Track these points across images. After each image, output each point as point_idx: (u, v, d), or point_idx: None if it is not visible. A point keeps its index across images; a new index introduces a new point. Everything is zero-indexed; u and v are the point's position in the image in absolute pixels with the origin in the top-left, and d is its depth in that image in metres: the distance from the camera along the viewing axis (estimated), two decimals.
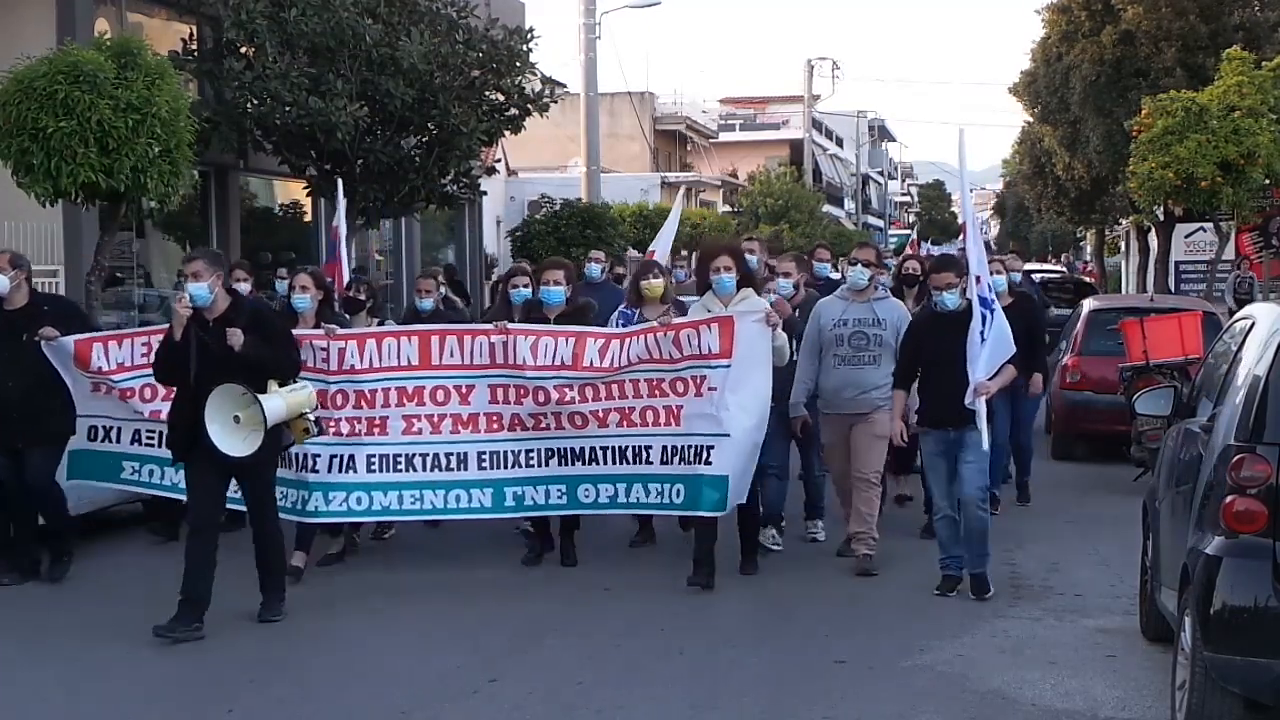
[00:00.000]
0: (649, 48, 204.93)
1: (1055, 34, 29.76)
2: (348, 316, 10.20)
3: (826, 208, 57.06)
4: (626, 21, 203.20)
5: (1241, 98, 21.08)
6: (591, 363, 9.24)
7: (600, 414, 9.28)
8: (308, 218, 21.56)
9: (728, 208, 49.84)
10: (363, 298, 10.28)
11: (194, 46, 17.01)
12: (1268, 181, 21.48)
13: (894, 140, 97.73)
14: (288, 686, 7.20)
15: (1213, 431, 6.33)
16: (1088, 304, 16.42)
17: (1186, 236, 26.66)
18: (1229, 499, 5.73)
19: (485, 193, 20.76)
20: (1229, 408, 6.20)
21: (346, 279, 11.70)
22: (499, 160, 27.87)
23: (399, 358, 9.46)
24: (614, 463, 9.31)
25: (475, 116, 17.25)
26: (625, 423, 9.25)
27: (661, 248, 13.96)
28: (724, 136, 62.03)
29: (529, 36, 18.15)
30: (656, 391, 9.19)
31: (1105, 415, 13.64)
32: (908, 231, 62.12)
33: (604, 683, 7.18)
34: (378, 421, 9.44)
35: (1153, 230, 28.47)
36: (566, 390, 9.26)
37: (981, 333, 8.49)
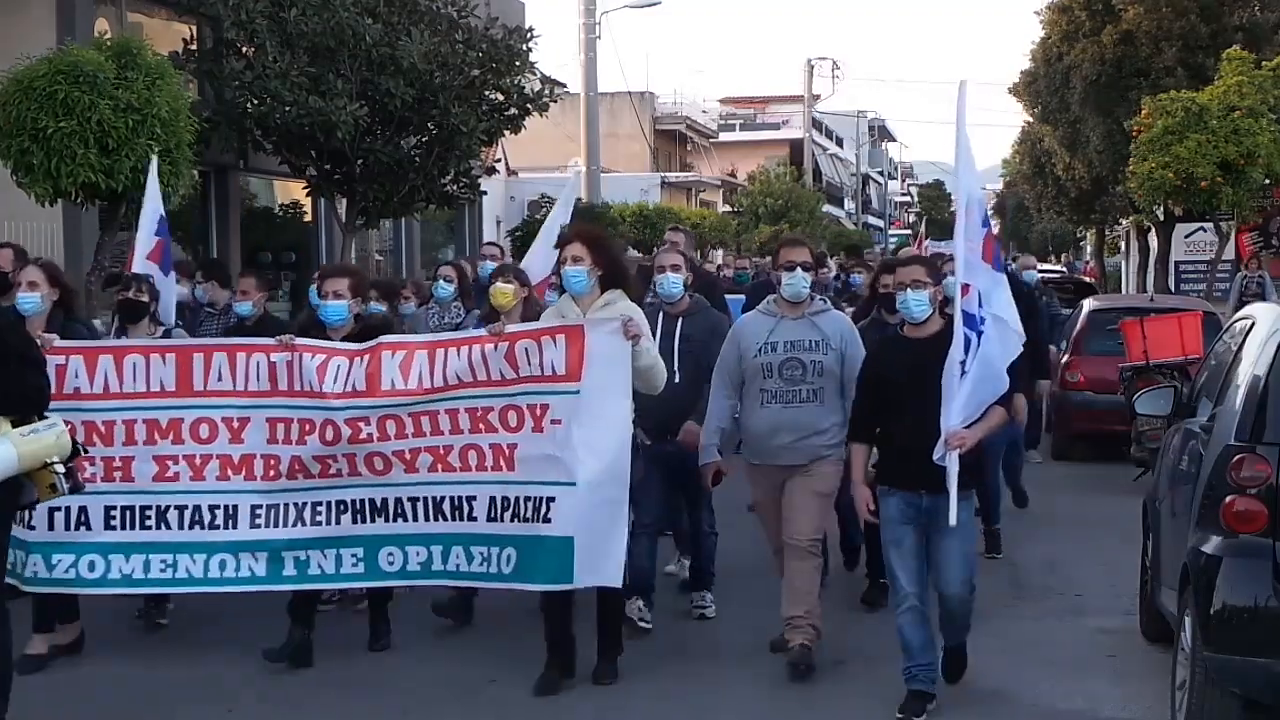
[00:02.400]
0: (649, 48, 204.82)
1: (1055, 34, 29.74)
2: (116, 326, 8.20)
3: (826, 208, 57.06)
4: (626, 21, 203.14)
5: (1241, 98, 21.08)
6: (392, 385, 7.10)
7: (407, 455, 7.14)
8: (308, 218, 21.57)
9: (728, 208, 49.86)
10: (145, 299, 8.02)
11: (194, 46, 17.01)
12: (1268, 181, 21.48)
13: (894, 140, 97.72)
14: (288, 688, 7.21)
15: (1213, 431, 6.33)
16: (1088, 304, 16.43)
17: (1186, 236, 26.64)
18: (1229, 499, 5.73)
19: (485, 193, 20.77)
20: (1229, 408, 6.20)
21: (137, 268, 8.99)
22: (499, 160, 27.88)
23: (149, 381, 7.33)
24: (426, 519, 7.21)
25: (475, 116, 17.25)
26: (441, 466, 7.14)
27: (543, 247, 10.21)
28: (724, 136, 62.03)
29: (529, 36, 18.16)
30: (482, 425, 7.04)
31: (1105, 415, 13.65)
32: (907, 231, 62.13)
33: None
34: (118, 464, 7.33)
35: (1153, 230, 28.46)
36: (360, 424, 7.11)
37: (963, 363, 6.32)
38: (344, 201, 17.81)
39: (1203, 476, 6.16)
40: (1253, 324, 6.71)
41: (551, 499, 6.83)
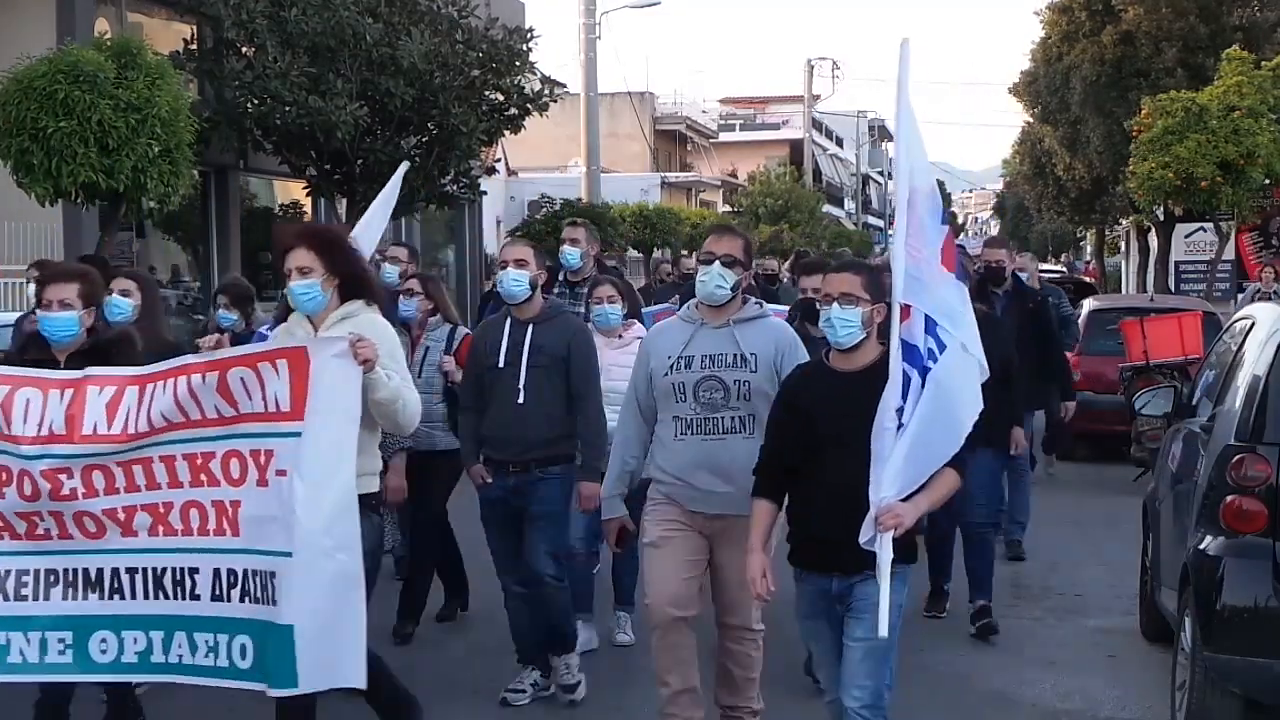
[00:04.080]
0: (649, 48, 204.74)
1: (1055, 34, 29.77)
2: None
3: (826, 208, 57.08)
4: (626, 21, 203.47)
5: (1241, 98, 21.09)
6: (94, 429, 5.42)
7: (121, 515, 5.48)
8: (308, 218, 21.56)
9: (728, 208, 49.88)
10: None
11: (194, 46, 17.02)
12: (1268, 181, 21.49)
13: (894, 140, 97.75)
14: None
15: (1213, 431, 6.33)
16: (1088, 304, 16.43)
17: (1186, 236, 26.65)
18: (1229, 499, 5.74)
19: (485, 193, 20.78)
20: (1229, 408, 6.20)
21: None
22: (499, 160, 27.89)
23: None
24: (146, 596, 5.50)
25: (475, 116, 17.26)
26: (162, 529, 5.45)
27: (366, 238, 8.37)
28: (724, 136, 62.05)
29: (529, 36, 18.18)
30: (203, 475, 5.38)
31: (1105, 415, 13.66)
32: None
33: (604, 684, 7.18)
34: None
35: (1153, 230, 28.48)
36: (61, 476, 5.43)
37: (900, 411, 4.68)
38: (344, 201, 17.82)
39: (1203, 476, 6.16)
40: (1253, 324, 6.71)
41: (273, 574, 5.17)
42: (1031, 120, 33.42)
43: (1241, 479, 5.72)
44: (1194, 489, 6.30)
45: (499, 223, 31.65)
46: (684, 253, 16.43)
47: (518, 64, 17.90)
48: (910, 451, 4.66)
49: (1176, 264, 26.81)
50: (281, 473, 5.18)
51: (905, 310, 4.70)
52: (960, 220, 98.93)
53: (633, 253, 26.13)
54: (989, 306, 8.67)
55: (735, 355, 5.72)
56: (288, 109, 15.80)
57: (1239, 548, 5.70)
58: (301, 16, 15.81)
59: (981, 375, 4.89)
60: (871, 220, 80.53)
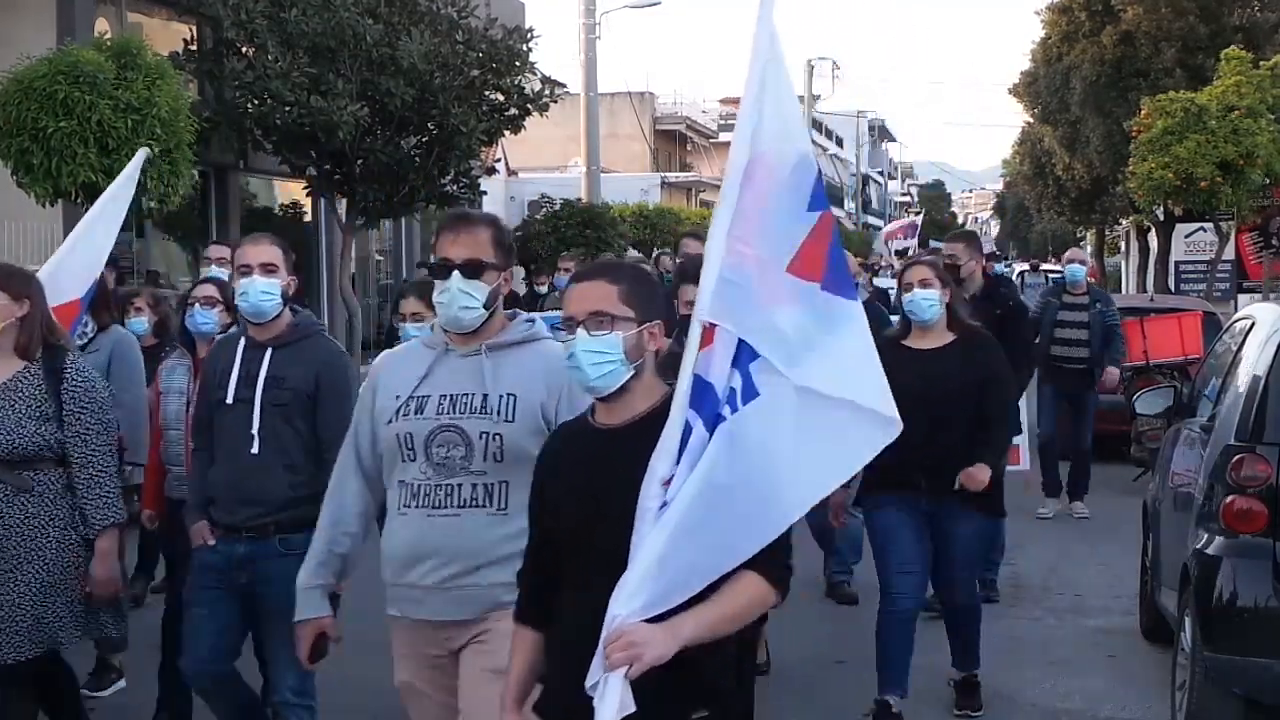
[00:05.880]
0: (649, 48, 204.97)
1: (1055, 34, 29.80)
2: None
3: None
4: (626, 21, 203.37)
5: (1240, 98, 21.10)
6: None
7: None
8: (308, 218, 21.59)
9: None
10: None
11: (194, 46, 17.03)
12: (1267, 181, 21.50)
13: (894, 140, 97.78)
14: None
15: (1213, 431, 6.33)
16: None
17: (1186, 236, 26.66)
18: (1229, 499, 5.73)
19: (485, 193, 20.78)
20: (1229, 408, 6.20)
21: None
22: (499, 160, 27.88)
23: None
24: None
25: (475, 116, 17.27)
26: None
27: (98, 235, 6.45)
28: (724, 136, 61.93)
29: (529, 36, 18.19)
30: None
31: (1105, 415, 13.64)
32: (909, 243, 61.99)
33: None
34: None
35: (1153, 230, 28.50)
36: None
37: (666, 484, 3.09)
38: (344, 201, 17.84)
39: (1203, 476, 6.16)
40: (1253, 324, 6.71)
41: None
42: (1031, 120, 33.44)
43: (1241, 479, 5.72)
44: (1194, 489, 6.30)
45: None
46: (665, 250, 16.20)
47: (518, 64, 17.92)
48: (673, 543, 3.02)
49: (1176, 264, 26.82)
50: None
51: (708, 332, 3.15)
52: (960, 220, 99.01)
53: (632, 253, 26.10)
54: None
55: (484, 397, 3.93)
56: (288, 109, 15.81)
57: (1239, 548, 5.69)
58: (301, 17, 15.82)
59: (884, 433, 3.26)
60: (871, 220, 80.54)
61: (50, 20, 14.74)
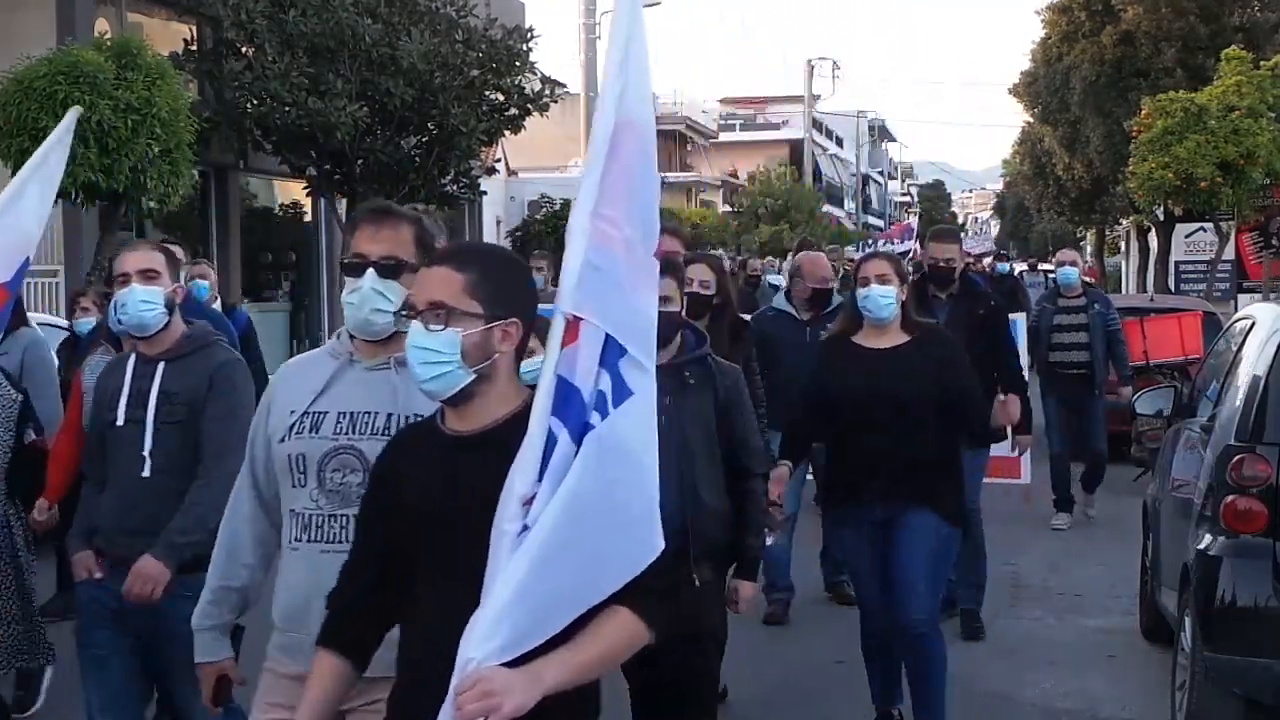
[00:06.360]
0: (649, 48, 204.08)
1: (1055, 34, 29.81)
2: None
3: (826, 208, 57.12)
4: None
5: (1240, 97, 21.10)
6: None
7: None
8: (308, 218, 21.59)
9: (728, 208, 49.90)
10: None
11: (194, 47, 17.04)
12: (1267, 181, 21.50)
13: (894, 140, 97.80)
14: None
15: (1213, 431, 6.33)
16: None
17: (1186, 236, 26.66)
18: (1229, 499, 5.73)
19: (485, 193, 20.80)
20: (1229, 408, 6.20)
21: None
22: (499, 160, 27.90)
23: None
24: None
25: (475, 116, 17.28)
26: None
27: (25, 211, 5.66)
28: (724, 136, 62.07)
29: (529, 36, 18.21)
30: None
31: (1105, 415, 13.65)
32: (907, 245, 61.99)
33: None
34: None
35: (1153, 230, 28.50)
36: None
37: (528, 504, 2.63)
38: (344, 201, 17.85)
39: (1203, 476, 6.16)
40: (1253, 324, 6.71)
41: None
42: (1031, 120, 33.45)
43: (1241, 479, 5.71)
44: (1194, 489, 6.30)
45: (499, 223, 31.65)
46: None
47: (518, 64, 17.94)
48: (535, 573, 2.60)
49: (1176, 264, 26.82)
50: None
51: (572, 327, 2.72)
52: (960, 220, 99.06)
53: None
54: (929, 315, 6.94)
55: (388, 416, 3.42)
56: (288, 109, 15.83)
57: (1239, 548, 5.69)
58: (301, 17, 15.84)
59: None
60: (872, 220, 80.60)
61: (50, 20, 14.74)
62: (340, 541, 3.37)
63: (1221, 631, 5.68)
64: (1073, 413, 11.19)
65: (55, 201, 11.48)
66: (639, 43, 2.93)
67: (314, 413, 3.49)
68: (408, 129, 17.22)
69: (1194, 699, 5.84)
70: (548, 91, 18.81)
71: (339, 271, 3.53)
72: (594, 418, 2.69)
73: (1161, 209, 24.37)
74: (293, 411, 3.51)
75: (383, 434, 3.38)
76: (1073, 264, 11.49)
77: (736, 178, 54.19)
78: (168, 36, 17.21)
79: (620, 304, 2.76)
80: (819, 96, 60.05)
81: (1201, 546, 5.85)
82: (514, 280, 2.95)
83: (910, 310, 5.93)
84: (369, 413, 3.44)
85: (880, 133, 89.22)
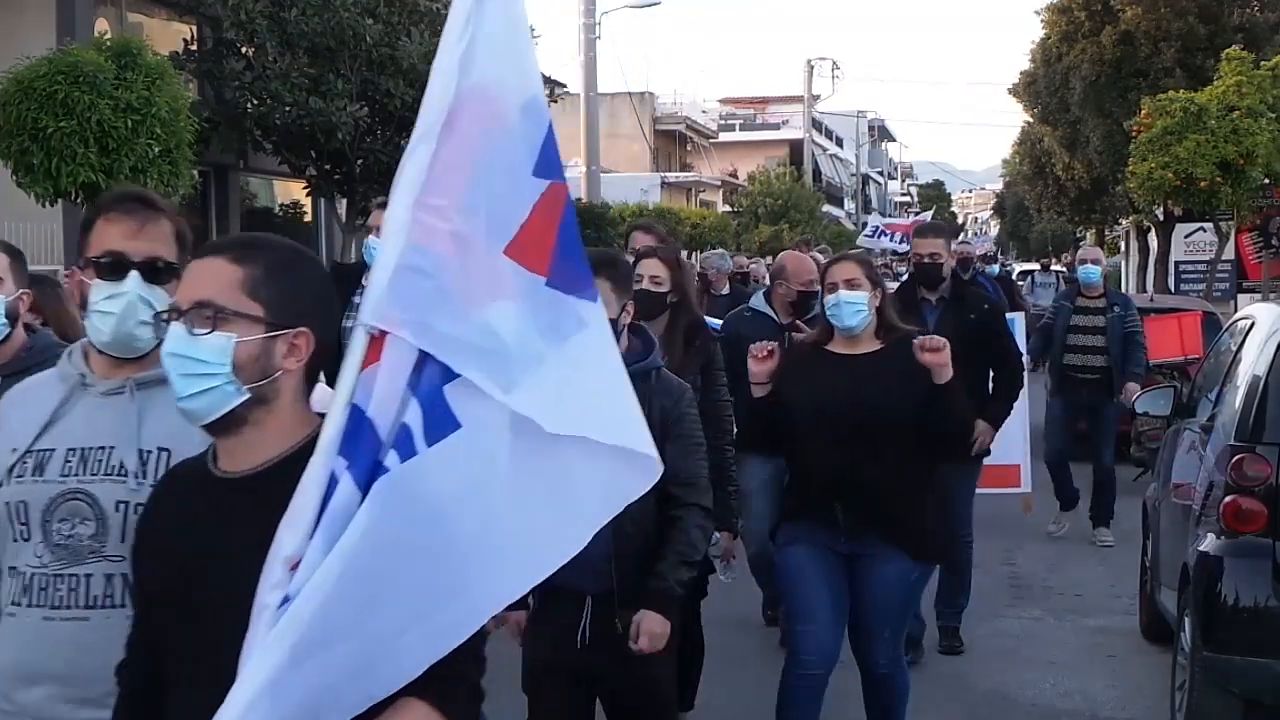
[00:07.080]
0: (649, 48, 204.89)
1: (1055, 34, 29.80)
2: None
3: (826, 208, 57.12)
4: (626, 21, 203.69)
5: (1240, 98, 21.09)
6: None
7: None
8: (308, 218, 21.61)
9: (728, 208, 49.89)
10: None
11: (194, 46, 17.05)
12: (1267, 181, 21.50)
13: (894, 140, 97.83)
14: None
15: (1213, 431, 6.33)
16: None
17: (1186, 236, 26.67)
18: (1229, 499, 5.73)
19: None
20: (1229, 408, 6.20)
21: None
22: None
23: None
24: None
25: None
26: None
27: None
28: (724, 136, 62.09)
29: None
30: None
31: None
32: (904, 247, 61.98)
33: None
34: None
35: (1153, 230, 28.50)
36: None
37: (293, 568, 2.07)
38: (344, 201, 17.85)
39: (1202, 476, 6.16)
40: (1253, 324, 6.71)
41: None
42: (1031, 120, 33.44)
43: (1241, 479, 5.72)
44: (1194, 489, 6.30)
45: None
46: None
47: None
48: (295, 658, 2.06)
49: (1176, 264, 26.83)
50: None
51: (375, 343, 2.20)
52: (960, 220, 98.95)
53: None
54: (917, 318, 6.66)
55: (129, 452, 2.81)
56: (288, 109, 15.83)
57: (1239, 548, 5.69)
58: (301, 17, 15.84)
59: (639, 479, 2.36)
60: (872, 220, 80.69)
61: (50, 20, 14.74)
62: (69, 606, 2.79)
63: (1221, 631, 5.68)
64: (1081, 416, 10.89)
65: (55, 201, 11.58)
66: (501, 5, 2.41)
67: (38, 451, 2.85)
68: (408, 129, 17.16)
69: (1194, 699, 5.84)
70: (548, 91, 18.79)
71: (96, 271, 2.89)
72: (389, 457, 2.11)
73: (1161, 209, 24.38)
74: (14, 450, 2.86)
75: (118, 474, 2.79)
76: (1096, 262, 11.08)
77: (736, 178, 54.17)
78: (168, 36, 17.22)
79: (449, 316, 2.20)
80: (819, 96, 60.07)
81: (1201, 546, 5.86)
82: (307, 281, 2.40)
83: (890, 315, 5.32)
84: (103, 448, 2.82)
85: (880, 133, 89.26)
